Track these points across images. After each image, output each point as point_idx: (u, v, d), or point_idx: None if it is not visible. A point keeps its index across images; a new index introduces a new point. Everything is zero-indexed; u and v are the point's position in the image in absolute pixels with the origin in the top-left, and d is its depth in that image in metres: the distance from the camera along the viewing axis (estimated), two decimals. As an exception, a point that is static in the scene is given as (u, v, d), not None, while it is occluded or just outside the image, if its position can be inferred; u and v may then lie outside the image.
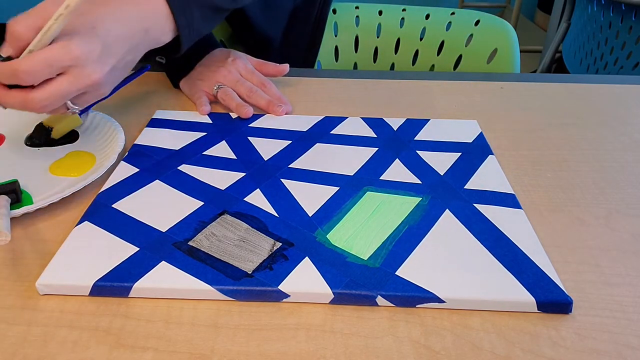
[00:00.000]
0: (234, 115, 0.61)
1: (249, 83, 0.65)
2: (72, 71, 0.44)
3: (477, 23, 0.88)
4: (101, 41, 0.45)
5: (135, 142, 0.55)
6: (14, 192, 0.45)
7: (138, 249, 0.40)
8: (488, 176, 0.50)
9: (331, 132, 0.58)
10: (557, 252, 0.42)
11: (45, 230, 0.44)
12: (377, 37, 0.90)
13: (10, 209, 0.43)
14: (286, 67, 0.69)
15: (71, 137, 0.56)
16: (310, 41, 0.86)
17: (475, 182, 0.49)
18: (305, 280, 0.38)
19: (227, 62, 0.66)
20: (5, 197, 0.44)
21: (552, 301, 0.36)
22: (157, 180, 0.49)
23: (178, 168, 0.51)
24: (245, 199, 0.46)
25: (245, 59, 0.68)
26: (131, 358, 0.33)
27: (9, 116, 0.59)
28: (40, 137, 0.55)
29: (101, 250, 0.40)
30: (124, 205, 0.45)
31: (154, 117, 0.61)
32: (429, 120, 0.61)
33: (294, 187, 0.48)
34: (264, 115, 0.62)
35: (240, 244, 0.41)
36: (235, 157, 0.53)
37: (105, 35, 0.46)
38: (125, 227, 0.43)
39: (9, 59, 0.43)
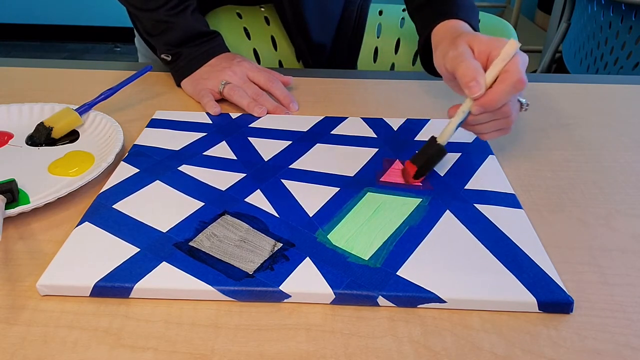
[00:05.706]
0: (234, 116, 0.61)
1: (255, 87, 0.65)
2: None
3: (477, 23, 0.88)
4: None
5: (135, 143, 0.55)
6: (10, 192, 0.45)
7: (139, 249, 0.40)
8: (488, 176, 0.50)
9: (331, 132, 0.58)
10: (557, 252, 0.42)
11: (41, 230, 0.44)
12: (377, 37, 0.90)
13: (6, 208, 0.43)
14: (290, 79, 0.69)
15: (71, 136, 0.56)
16: (351, 42, 0.87)
17: (476, 183, 0.49)
18: (306, 280, 0.38)
19: (233, 62, 0.66)
20: (0, 197, 0.44)
21: (554, 301, 0.36)
22: (157, 181, 0.49)
23: (178, 168, 0.51)
24: (245, 200, 0.46)
25: (251, 62, 0.68)
26: (131, 358, 0.33)
27: (11, 116, 0.59)
28: (41, 137, 0.55)
29: (102, 251, 0.40)
30: (124, 205, 0.45)
31: (154, 117, 0.61)
32: (429, 120, 0.61)
33: (295, 188, 0.48)
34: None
35: (241, 245, 0.41)
36: (235, 158, 0.53)
37: None
38: (125, 227, 0.43)
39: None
